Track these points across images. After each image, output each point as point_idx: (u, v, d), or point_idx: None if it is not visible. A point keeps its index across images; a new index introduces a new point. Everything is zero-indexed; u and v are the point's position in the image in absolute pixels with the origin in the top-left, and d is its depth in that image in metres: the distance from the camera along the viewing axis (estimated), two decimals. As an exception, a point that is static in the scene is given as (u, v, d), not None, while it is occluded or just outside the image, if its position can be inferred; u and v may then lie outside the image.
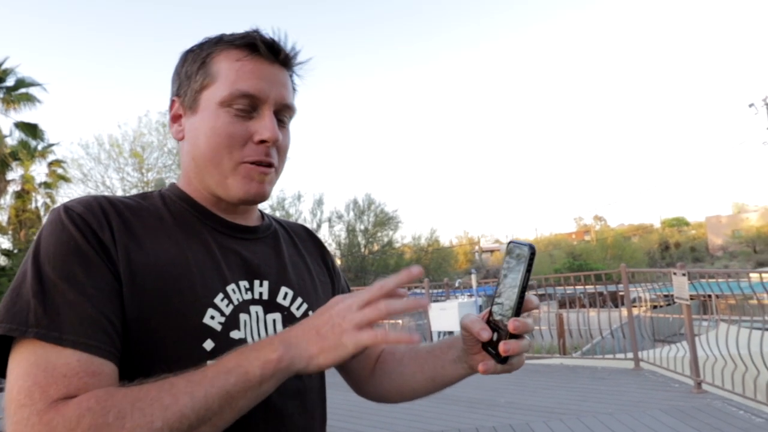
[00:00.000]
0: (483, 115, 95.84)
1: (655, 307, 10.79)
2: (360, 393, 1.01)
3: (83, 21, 48.98)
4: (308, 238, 0.99)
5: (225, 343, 0.71)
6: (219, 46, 0.79)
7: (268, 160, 0.79)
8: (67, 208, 0.70)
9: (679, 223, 53.68)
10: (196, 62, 0.80)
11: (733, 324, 5.18)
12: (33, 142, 18.03)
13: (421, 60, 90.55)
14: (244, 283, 0.78)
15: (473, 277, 8.86)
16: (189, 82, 0.80)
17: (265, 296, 0.80)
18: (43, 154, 18.69)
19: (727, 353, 4.68)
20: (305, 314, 0.82)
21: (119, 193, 19.51)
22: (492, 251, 58.26)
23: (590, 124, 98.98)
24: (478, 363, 0.75)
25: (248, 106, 0.77)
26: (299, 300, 0.83)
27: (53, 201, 19.24)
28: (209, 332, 0.71)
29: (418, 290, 9.98)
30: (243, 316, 0.76)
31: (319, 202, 25.39)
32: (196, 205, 0.82)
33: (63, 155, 19.73)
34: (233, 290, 0.76)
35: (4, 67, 16.85)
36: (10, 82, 17.12)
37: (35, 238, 0.69)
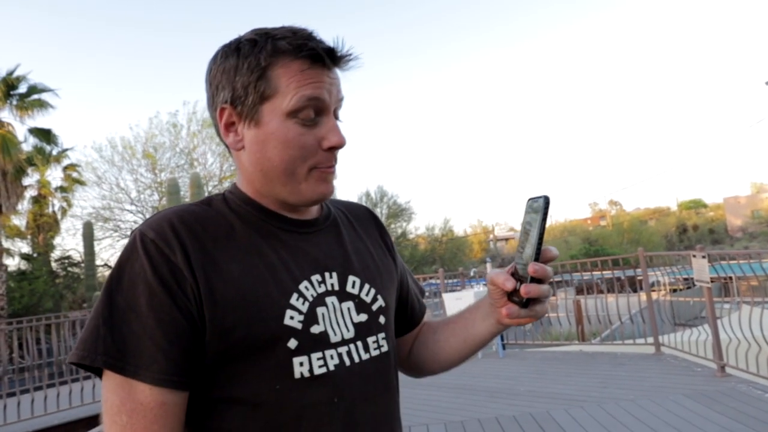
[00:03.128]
0: (496, 103, 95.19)
1: (674, 290, 10.64)
2: (405, 369, 1.05)
3: (88, 23, 49.42)
4: (368, 219, 1.00)
5: (307, 339, 0.77)
6: (278, 57, 0.77)
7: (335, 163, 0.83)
8: (141, 233, 0.74)
9: (697, 205, 52.89)
10: (254, 72, 0.77)
11: (756, 306, 5.08)
12: (47, 148, 18.22)
13: (436, 54, 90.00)
14: (316, 277, 0.81)
15: (488, 265, 8.80)
16: (246, 92, 0.78)
17: (336, 287, 0.83)
18: (58, 158, 18.91)
19: (751, 336, 4.59)
20: (374, 299, 0.87)
21: (134, 194, 19.72)
22: (507, 239, 57.92)
23: (604, 108, 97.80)
24: (503, 316, 0.80)
25: (314, 113, 0.78)
26: (367, 286, 0.87)
27: (69, 205, 19.49)
28: (291, 332, 0.75)
29: (432, 280, 9.96)
30: (320, 310, 0.79)
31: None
32: (260, 207, 0.83)
33: (77, 159, 19.93)
34: (306, 287, 0.79)
35: (16, 74, 16.98)
36: (22, 89, 17.27)
37: (115, 263, 0.75)
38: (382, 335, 0.86)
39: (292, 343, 0.75)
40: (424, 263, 25.35)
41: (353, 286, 0.85)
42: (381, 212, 25.75)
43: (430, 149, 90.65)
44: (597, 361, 6.09)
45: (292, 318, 0.76)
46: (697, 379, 4.80)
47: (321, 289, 0.81)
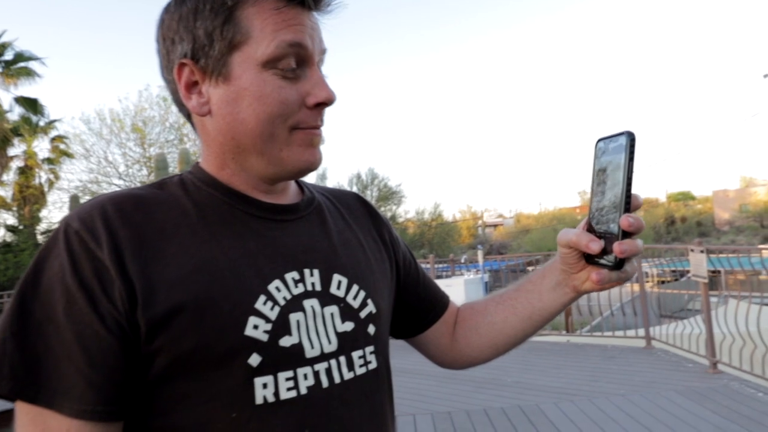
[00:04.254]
0: (487, 89, 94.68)
1: (662, 282, 10.62)
2: (444, 364, 0.91)
3: (83, -6, 48.23)
4: (359, 206, 0.83)
5: (274, 354, 0.61)
6: None
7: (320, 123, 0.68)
8: (66, 223, 0.60)
9: (686, 197, 53.13)
10: (219, 14, 0.62)
11: (743, 300, 5.00)
12: (34, 118, 17.81)
13: (426, 37, 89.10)
14: (292, 275, 0.65)
15: (479, 252, 8.69)
16: (210, 41, 0.63)
17: (318, 287, 0.67)
18: (46, 130, 18.49)
19: (737, 330, 4.50)
20: (363, 303, 0.70)
21: (122, 168, 19.39)
22: (495, 226, 58.18)
23: (594, 96, 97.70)
24: (583, 282, 0.70)
25: (296, 63, 0.64)
26: (355, 288, 0.70)
27: (57, 177, 19.13)
28: (254, 345, 0.60)
29: (422, 265, 9.85)
30: (295, 316, 0.63)
31: (322, 177, 25.18)
32: (225, 188, 0.68)
33: (65, 131, 19.48)
34: (278, 288, 0.64)
35: (2, 40, 16.51)
36: (8, 56, 16.81)
37: (32, 260, 0.59)
38: (370, 349, 0.69)
39: (254, 359, 0.59)
40: (413, 247, 25.31)
41: (339, 287, 0.69)
42: (371, 195, 25.58)
43: (422, 133, 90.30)
44: (587, 354, 6.00)
45: (255, 327, 0.60)
46: (688, 376, 4.71)
47: (298, 290, 0.65)
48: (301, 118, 0.65)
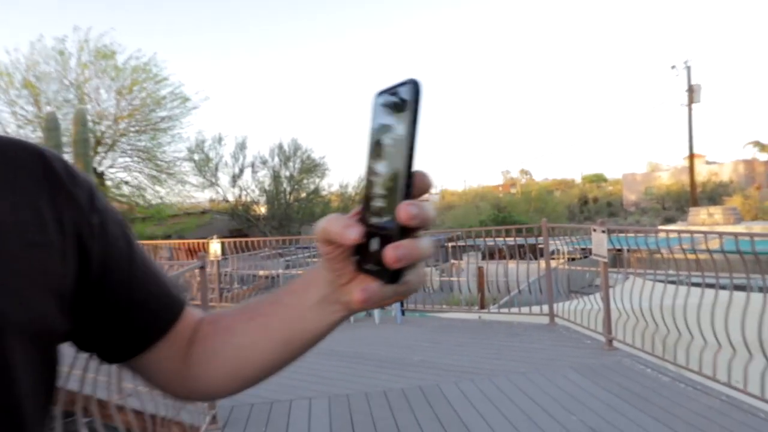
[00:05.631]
0: (414, 63, 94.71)
1: (572, 259, 11.08)
2: (178, 395, 0.67)
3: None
4: (29, 165, 0.52)
5: None
6: None
7: None
8: None
9: (598, 179, 56.25)
10: None
11: (640, 277, 5.21)
12: None
13: (368, 10, 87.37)
14: None
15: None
16: None
17: None
18: None
19: (632, 308, 4.66)
20: None
21: (12, 128, 17.58)
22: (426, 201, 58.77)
23: (520, 80, 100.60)
24: (356, 294, 0.46)
25: None
26: None
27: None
28: None
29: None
30: None
31: (242, 146, 24.14)
32: None
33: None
34: None
35: None
36: None
37: None
38: None
39: None
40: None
41: None
42: (294, 166, 24.85)
43: (347, 105, 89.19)
44: (493, 331, 6.07)
45: None
46: (585, 352, 4.84)
47: None
48: None
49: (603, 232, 4.88)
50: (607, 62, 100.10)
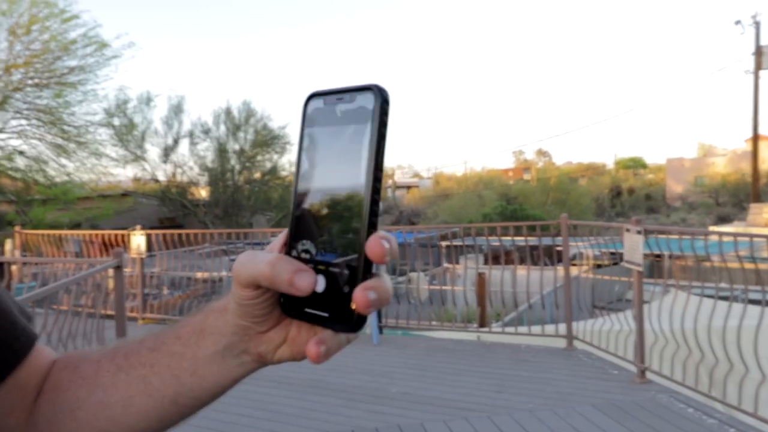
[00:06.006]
0: (406, 26, 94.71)
1: (598, 266, 11.17)
2: None
3: None
4: None
5: None
6: None
7: None
8: None
9: (636, 164, 57.14)
10: None
11: (683, 290, 5.28)
12: None
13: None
14: None
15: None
16: None
17: None
18: None
19: (681, 329, 4.72)
20: None
21: None
22: (409, 187, 59.19)
23: (539, 37, 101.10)
24: (277, 347, 0.51)
25: None
26: None
27: None
28: None
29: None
30: None
31: (178, 109, 23.98)
32: None
33: None
34: None
35: None
36: None
37: None
38: None
39: None
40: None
41: None
42: (246, 137, 24.73)
43: (317, 67, 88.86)
44: (496, 356, 6.12)
45: None
46: (611, 385, 4.91)
47: None
48: None
49: (638, 232, 4.92)
50: (650, 17, 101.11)
